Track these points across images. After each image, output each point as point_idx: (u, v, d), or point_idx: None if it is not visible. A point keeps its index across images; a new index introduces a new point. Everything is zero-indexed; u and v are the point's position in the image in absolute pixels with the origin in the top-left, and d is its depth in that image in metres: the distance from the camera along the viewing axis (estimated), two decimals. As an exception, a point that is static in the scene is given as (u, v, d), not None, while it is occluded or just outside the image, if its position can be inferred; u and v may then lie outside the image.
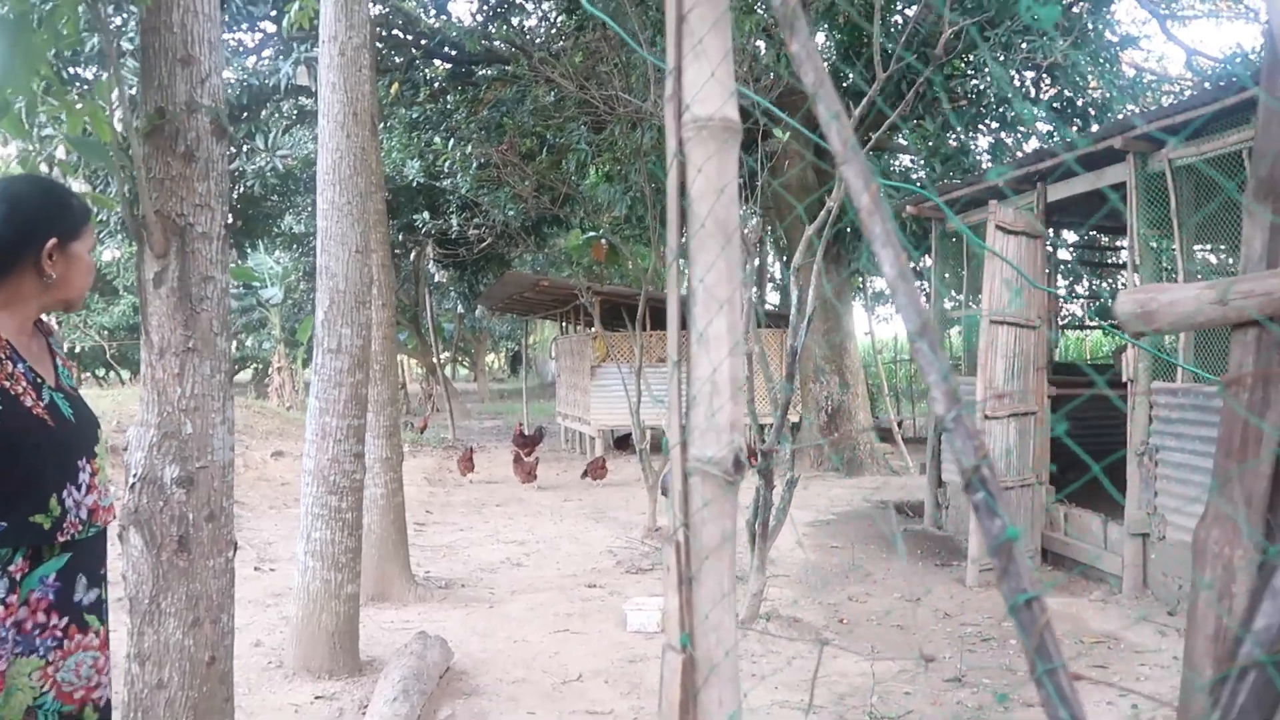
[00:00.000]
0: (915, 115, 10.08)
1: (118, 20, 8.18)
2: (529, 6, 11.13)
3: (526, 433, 13.01)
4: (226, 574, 3.09)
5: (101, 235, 16.79)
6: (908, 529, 8.96)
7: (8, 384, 1.90)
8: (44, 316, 2.15)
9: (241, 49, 10.88)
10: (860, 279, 16.88)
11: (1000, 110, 10.42)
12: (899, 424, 15.61)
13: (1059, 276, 13.10)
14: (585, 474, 11.59)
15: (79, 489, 2.00)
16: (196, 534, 2.97)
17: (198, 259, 2.93)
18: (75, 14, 2.52)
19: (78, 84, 8.72)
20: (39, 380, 1.97)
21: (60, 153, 3.10)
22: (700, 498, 1.09)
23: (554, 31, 10.18)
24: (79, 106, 2.63)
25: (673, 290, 1.11)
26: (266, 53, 10.80)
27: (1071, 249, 13.75)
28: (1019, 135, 11.12)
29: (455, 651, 5.13)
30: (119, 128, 2.77)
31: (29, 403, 1.91)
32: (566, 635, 5.63)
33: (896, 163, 13.89)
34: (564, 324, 18.65)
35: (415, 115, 12.44)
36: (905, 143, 13.01)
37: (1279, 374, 0.96)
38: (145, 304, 2.89)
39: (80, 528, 2.01)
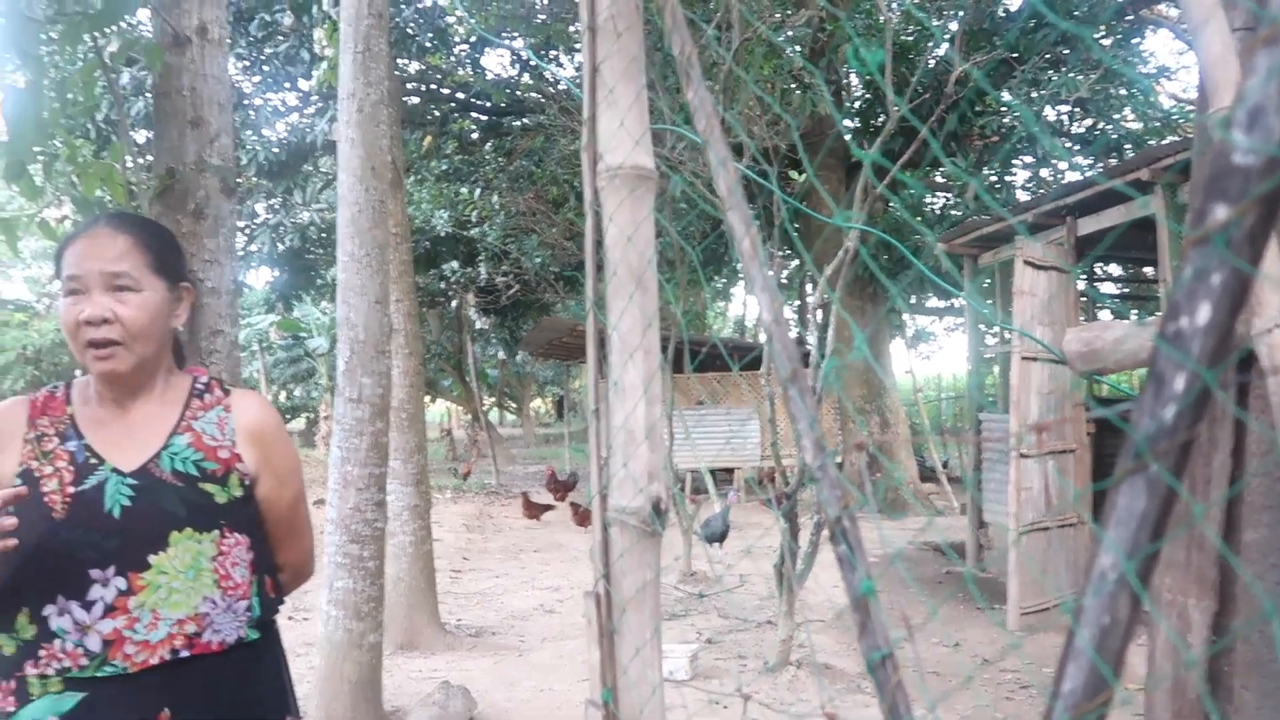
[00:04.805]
0: (946, 152, 10.01)
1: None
2: (564, 59, 11.35)
3: (560, 478, 13.00)
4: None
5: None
6: (949, 571, 8.75)
7: (34, 464, 1.51)
8: (204, 391, 1.71)
9: (284, 107, 11.22)
10: (899, 317, 16.73)
11: (1034, 145, 10.33)
12: (944, 464, 15.35)
13: (1108, 311, 12.84)
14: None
15: (88, 608, 1.47)
16: (206, 584, 3.02)
17: (207, 313, 3.01)
18: (91, 81, 2.62)
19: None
20: (92, 461, 1.53)
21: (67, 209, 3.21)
22: (618, 548, 1.08)
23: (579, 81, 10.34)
24: (91, 170, 2.74)
25: (591, 340, 1.11)
26: (308, 110, 11.13)
27: (1117, 283, 13.51)
28: (1055, 170, 11.01)
29: (479, 701, 5.10)
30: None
31: (49, 488, 1.49)
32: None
33: (934, 200, 13.82)
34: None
35: (445, 167, 12.69)
36: (942, 179, 12.94)
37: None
38: (157, 357, 2.97)
39: (86, 662, 1.46)
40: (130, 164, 3.02)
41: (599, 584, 1.09)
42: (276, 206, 13.15)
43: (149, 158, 3.11)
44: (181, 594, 1.50)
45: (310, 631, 6.78)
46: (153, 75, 2.98)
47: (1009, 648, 6.09)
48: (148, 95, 9.50)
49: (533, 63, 11.44)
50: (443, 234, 13.19)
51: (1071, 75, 8.83)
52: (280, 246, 11.94)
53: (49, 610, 1.46)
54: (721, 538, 8.33)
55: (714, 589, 8.15)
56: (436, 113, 12.73)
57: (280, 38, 9.99)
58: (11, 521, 1.35)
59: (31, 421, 1.56)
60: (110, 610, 1.46)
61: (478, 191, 12.81)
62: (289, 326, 20.14)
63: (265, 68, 10.16)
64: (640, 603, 1.07)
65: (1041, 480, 6.54)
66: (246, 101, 10.74)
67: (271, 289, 14.91)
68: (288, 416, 30.19)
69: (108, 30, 3.09)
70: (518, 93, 12.00)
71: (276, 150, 10.56)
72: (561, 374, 31.60)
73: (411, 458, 6.14)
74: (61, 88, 2.57)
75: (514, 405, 37.34)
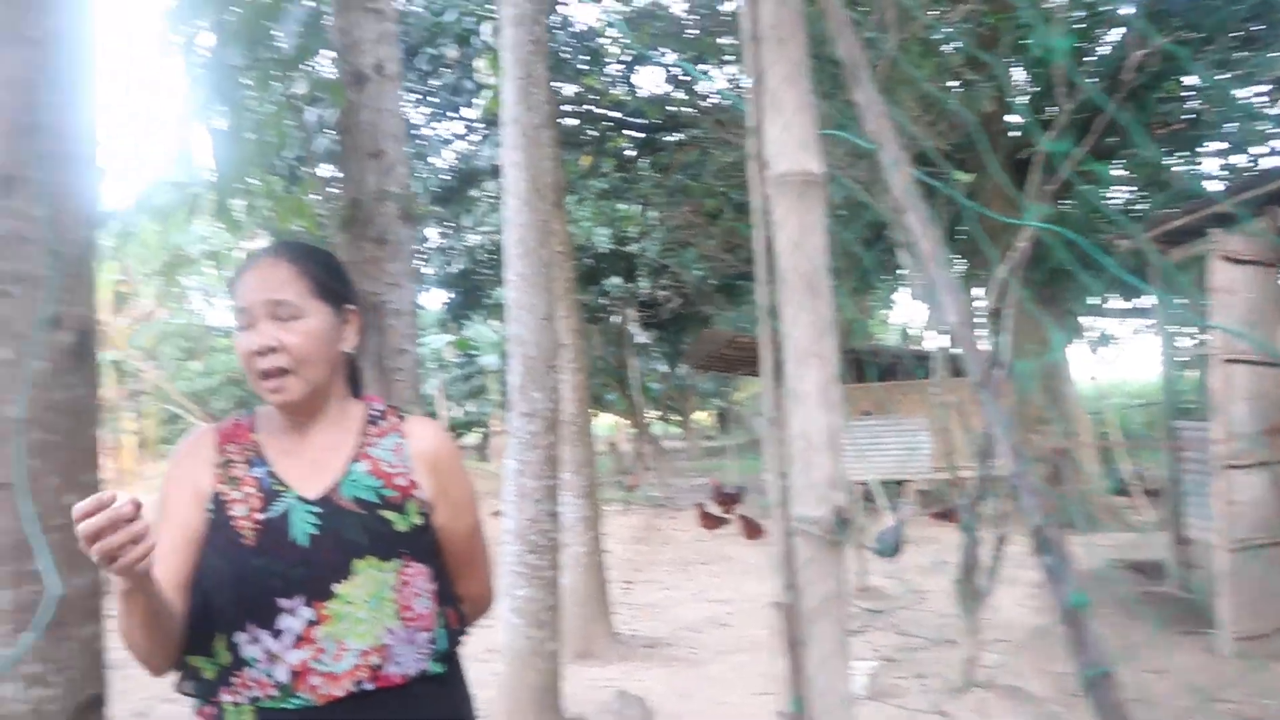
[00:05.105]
0: (1126, 143, 9.40)
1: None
2: (713, 71, 11.40)
3: (726, 490, 12.94)
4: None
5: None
6: (1148, 591, 8.15)
7: (223, 488, 1.53)
8: (381, 417, 1.67)
9: (450, 136, 11.78)
10: (1079, 320, 15.78)
11: (1226, 131, 9.53)
12: (1137, 475, 14.34)
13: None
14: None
15: (277, 637, 1.46)
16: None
17: (392, 334, 3.19)
18: (281, 120, 2.84)
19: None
20: (277, 488, 1.53)
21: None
22: (802, 558, 1.06)
23: (734, 93, 10.41)
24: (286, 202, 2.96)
25: (765, 348, 1.10)
26: (473, 138, 11.64)
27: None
28: (1251, 157, 10.12)
29: (655, 711, 5.14)
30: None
31: (237, 513, 1.51)
32: (770, 699, 5.50)
33: (1114, 195, 13.00)
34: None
35: (605, 185, 12.98)
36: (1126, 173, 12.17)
37: None
38: (348, 375, 3.18)
39: (275, 692, 1.46)
40: (317, 196, 3.24)
41: (784, 594, 1.08)
42: (446, 231, 13.79)
43: (331, 190, 3.36)
44: (365, 624, 1.47)
45: (492, 639, 7.01)
46: (335, 112, 3.19)
47: (1242, 674, 5.62)
48: (326, 132, 10.18)
49: (686, 78, 11.56)
50: (604, 251, 13.48)
51: (1268, 53, 8.10)
52: (451, 269, 12.50)
53: (240, 638, 1.46)
54: (895, 552, 8.09)
55: (890, 605, 7.91)
56: (593, 133, 13.04)
57: (445, 70, 10.50)
58: (141, 525, 1.26)
59: (220, 447, 1.58)
60: (299, 640, 1.45)
61: (636, 208, 13.01)
62: (462, 345, 21.09)
63: (432, 99, 10.70)
64: (826, 613, 1.05)
65: (1255, 493, 6.00)
66: (415, 132, 11.34)
67: (446, 309, 15.64)
68: (462, 432, 31.57)
69: (294, 73, 3.33)
70: (669, 108, 12.13)
71: (445, 177, 11.08)
72: (723, 386, 31.61)
73: (581, 470, 6.29)
74: (258, 129, 2.79)
75: (677, 418, 37.61)
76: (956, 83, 8.62)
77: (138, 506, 1.24)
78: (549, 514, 4.99)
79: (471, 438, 31.84)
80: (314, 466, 1.56)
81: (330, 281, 1.60)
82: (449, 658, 1.59)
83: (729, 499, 12.53)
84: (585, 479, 6.38)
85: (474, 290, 13.85)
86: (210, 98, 2.94)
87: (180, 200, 3.20)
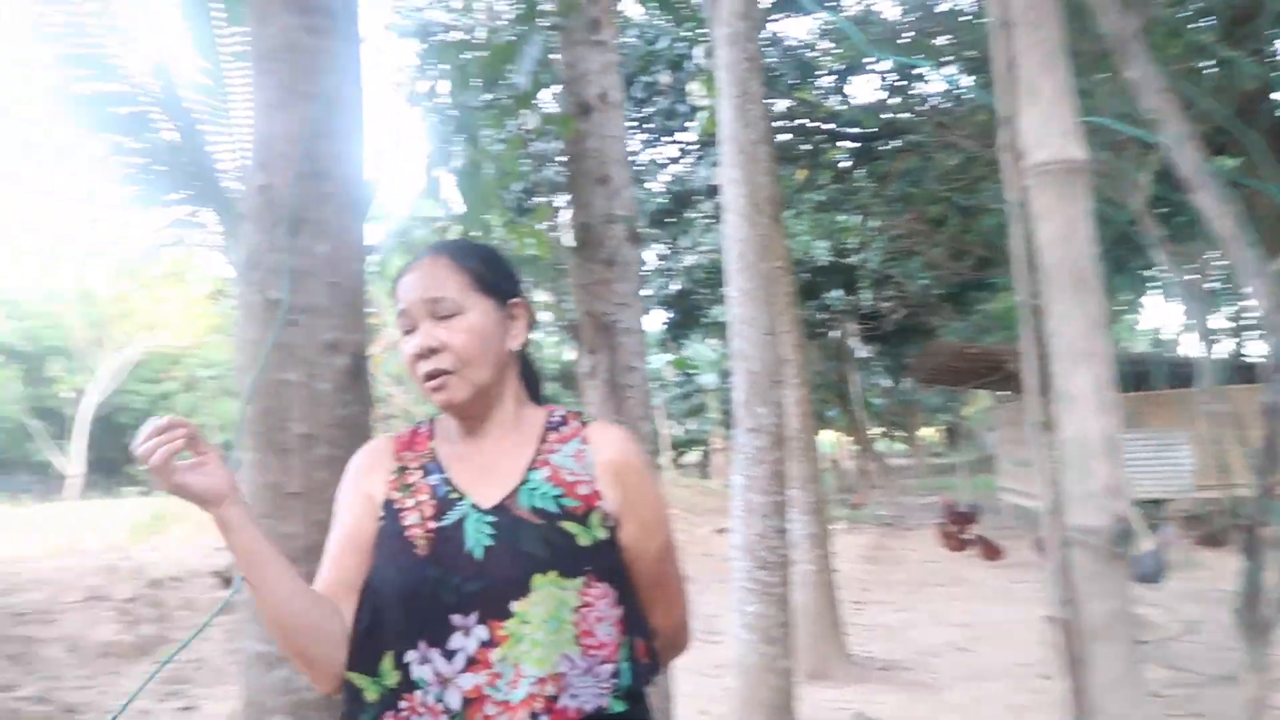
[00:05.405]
0: None
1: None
2: (928, 75, 11.02)
3: (958, 509, 12.35)
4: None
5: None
6: None
7: (396, 496, 1.45)
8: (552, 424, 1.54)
9: (665, 160, 12.07)
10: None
11: None
12: None
13: None
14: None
15: (449, 658, 1.33)
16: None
17: (622, 352, 3.29)
18: (515, 157, 3.03)
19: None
20: (452, 496, 1.43)
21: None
22: (1080, 572, 1.00)
23: (956, 94, 9.99)
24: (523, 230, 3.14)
25: (1028, 347, 1.04)
26: (687, 160, 11.85)
27: None
28: None
29: (894, 737, 4.98)
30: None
31: (409, 520, 1.41)
32: (1021, 730, 5.20)
33: None
34: (998, 393, 17.63)
35: (822, 197, 12.86)
36: None
37: None
38: (582, 393, 3.32)
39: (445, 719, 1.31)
40: (548, 223, 3.41)
41: (1061, 609, 1.02)
42: (664, 252, 14.09)
43: (558, 219, 3.55)
44: (543, 648, 1.31)
45: (719, 654, 7.03)
46: (563, 142, 3.35)
47: None
48: (553, 162, 10.69)
49: (901, 83, 11.25)
50: (822, 264, 13.31)
51: None
52: (669, 289, 12.75)
53: (411, 657, 1.33)
54: (1158, 578, 7.43)
55: (1156, 635, 7.26)
56: (807, 146, 12.93)
57: (659, 96, 10.76)
58: (181, 429, 1.28)
59: (396, 455, 1.52)
60: (472, 663, 1.31)
61: (855, 219, 12.74)
62: (681, 364, 21.45)
63: (648, 125, 10.99)
64: (1111, 632, 0.98)
65: None
66: (632, 157, 11.70)
67: (665, 329, 15.96)
68: (683, 449, 32.03)
69: (525, 109, 3.53)
70: (885, 115, 11.84)
71: (661, 200, 11.33)
72: (951, 400, 30.27)
73: (807, 486, 6.21)
74: (495, 164, 2.98)
75: (901, 434, 36.41)
76: (1211, 62, 7.86)
77: (174, 421, 1.27)
78: (777, 530, 4.95)
79: (692, 455, 32.25)
80: (489, 473, 1.45)
81: (491, 275, 1.50)
82: (633, 696, 1.40)
83: (963, 519, 11.97)
84: (812, 495, 6.29)
85: (692, 309, 14.07)
86: (451, 138, 3.17)
87: (427, 234, 3.46)
